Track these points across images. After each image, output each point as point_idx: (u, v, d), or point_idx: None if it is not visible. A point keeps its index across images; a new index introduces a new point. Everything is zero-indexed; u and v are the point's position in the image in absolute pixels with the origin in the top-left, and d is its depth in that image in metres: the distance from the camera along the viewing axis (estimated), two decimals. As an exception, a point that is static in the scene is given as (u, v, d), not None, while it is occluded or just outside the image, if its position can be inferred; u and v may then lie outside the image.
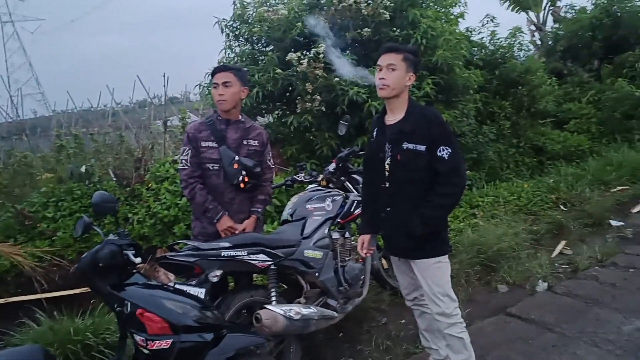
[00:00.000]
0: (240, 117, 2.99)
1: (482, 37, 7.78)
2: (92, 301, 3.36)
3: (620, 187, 6.21)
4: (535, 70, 7.97)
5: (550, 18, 13.32)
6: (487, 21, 7.61)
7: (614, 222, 5.22)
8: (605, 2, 10.55)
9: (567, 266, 4.24)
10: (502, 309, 3.54)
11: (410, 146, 2.32)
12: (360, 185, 3.13)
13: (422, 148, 2.30)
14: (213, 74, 2.89)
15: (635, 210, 5.60)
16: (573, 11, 11.62)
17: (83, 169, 4.88)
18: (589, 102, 9.64)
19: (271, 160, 3.11)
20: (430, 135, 2.29)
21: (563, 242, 4.75)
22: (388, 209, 2.46)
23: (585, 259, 4.20)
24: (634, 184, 6.33)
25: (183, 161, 2.88)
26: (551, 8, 13.27)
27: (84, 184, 4.76)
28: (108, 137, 7.42)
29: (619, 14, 10.26)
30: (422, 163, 2.32)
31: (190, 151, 2.86)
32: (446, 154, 2.28)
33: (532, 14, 13.53)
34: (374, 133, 2.54)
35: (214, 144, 2.86)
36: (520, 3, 13.22)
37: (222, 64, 5.08)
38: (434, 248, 2.41)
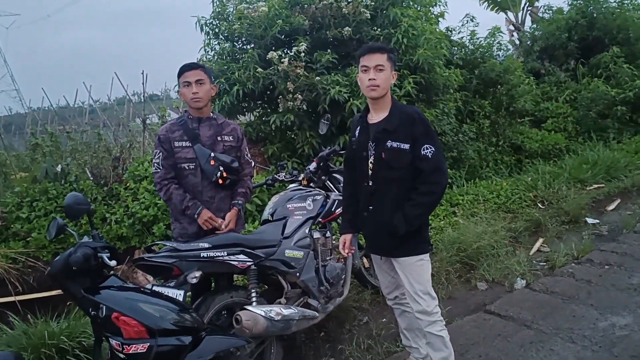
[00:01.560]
0: (211, 114, 2.95)
1: (462, 37, 7.90)
2: (67, 303, 3.29)
3: (596, 185, 6.33)
4: (514, 70, 8.08)
5: (528, 18, 13.55)
6: (467, 21, 7.71)
7: (589, 220, 5.31)
8: (582, 2, 10.75)
9: (544, 263, 4.31)
10: (482, 306, 3.58)
11: (395, 144, 2.33)
12: (342, 185, 3.12)
13: (406, 146, 2.32)
14: (182, 72, 2.83)
15: (610, 208, 5.71)
16: (550, 11, 11.80)
17: (59, 168, 4.78)
18: (566, 101, 9.82)
19: (249, 155, 3.08)
20: (414, 134, 2.31)
21: (541, 240, 4.82)
22: (370, 207, 2.46)
23: (562, 256, 4.26)
24: (609, 181, 6.45)
25: (155, 164, 2.83)
26: (529, 8, 13.49)
27: (59, 183, 4.66)
28: (85, 135, 7.29)
29: (594, 15, 10.47)
30: (406, 161, 2.33)
31: (161, 154, 2.82)
32: (430, 152, 2.29)
33: (510, 14, 13.73)
34: (356, 132, 2.53)
35: (188, 144, 2.82)
36: (499, 3, 13.39)
37: (200, 62, 5.02)
38: (416, 246, 2.42)
